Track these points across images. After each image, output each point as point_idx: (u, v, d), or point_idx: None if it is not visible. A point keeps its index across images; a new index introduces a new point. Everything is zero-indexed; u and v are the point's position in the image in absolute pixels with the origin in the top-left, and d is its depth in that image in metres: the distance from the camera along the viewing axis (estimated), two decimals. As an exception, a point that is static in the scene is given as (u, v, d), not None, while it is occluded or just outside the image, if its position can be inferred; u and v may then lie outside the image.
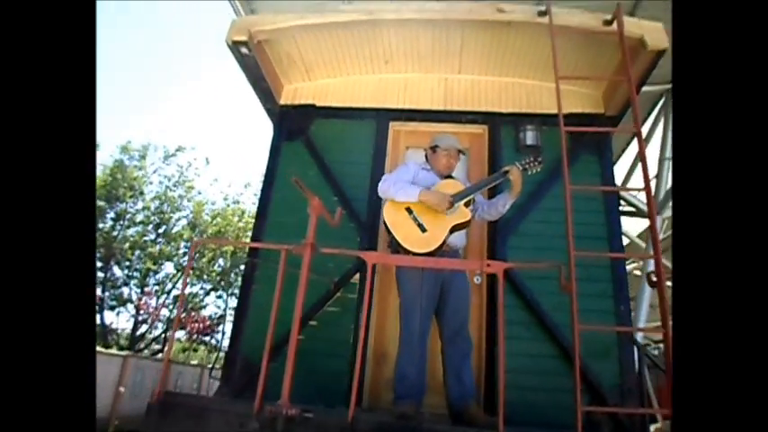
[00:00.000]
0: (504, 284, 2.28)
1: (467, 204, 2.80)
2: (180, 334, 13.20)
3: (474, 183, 2.91)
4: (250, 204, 13.50)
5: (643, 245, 8.30)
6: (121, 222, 12.43)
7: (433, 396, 2.72)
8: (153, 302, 12.62)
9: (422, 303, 2.57)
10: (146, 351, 13.74)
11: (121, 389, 8.30)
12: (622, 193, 6.90)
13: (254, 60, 3.27)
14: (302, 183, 2.34)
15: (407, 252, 2.58)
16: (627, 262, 6.33)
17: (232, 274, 12.64)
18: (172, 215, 13.00)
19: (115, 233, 12.19)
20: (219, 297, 13.24)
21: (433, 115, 3.69)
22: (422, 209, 2.68)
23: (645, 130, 8.55)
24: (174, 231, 12.94)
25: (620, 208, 5.19)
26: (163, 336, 13.59)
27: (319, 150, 3.63)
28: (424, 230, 2.63)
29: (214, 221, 12.40)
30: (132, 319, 12.88)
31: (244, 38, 3.09)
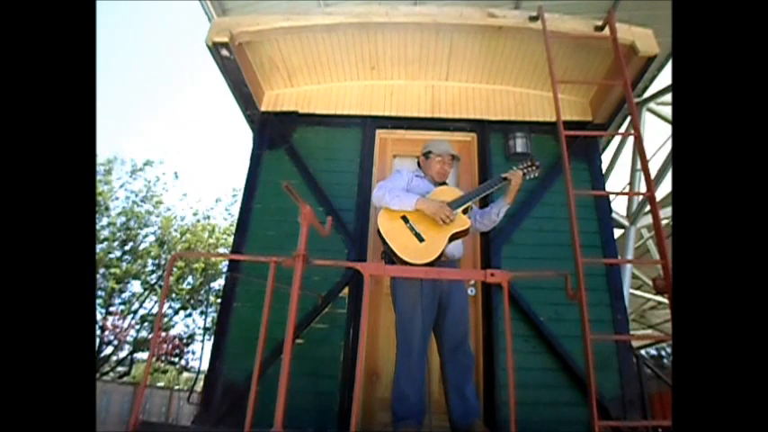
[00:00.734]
0: (508, 295, 2.17)
1: (464, 212, 2.69)
2: (146, 355, 12.59)
3: (471, 189, 2.81)
4: (221, 220, 13.12)
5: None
6: (85, 239, 11.74)
7: (431, 415, 2.56)
8: (121, 323, 11.98)
9: (420, 317, 2.43)
10: (111, 374, 13.01)
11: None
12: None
13: (234, 64, 3.11)
14: (294, 190, 2.17)
15: (404, 263, 2.44)
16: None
17: (202, 292, 12.15)
18: (139, 231, 12.44)
19: (78, 251, 11.49)
20: (189, 316, 12.71)
21: (421, 123, 3.60)
22: (418, 217, 2.55)
23: (617, 140, 8.76)
24: (141, 248, 12.37)
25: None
26: (129, 357, 12.90)
27: (303, 159, 3.47)
28: (421, 240, 2.50)
29: (183, 237, 11.93)
30: (96, 341, 12.18)
31: (225, 39, 2.93)
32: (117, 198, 12.57)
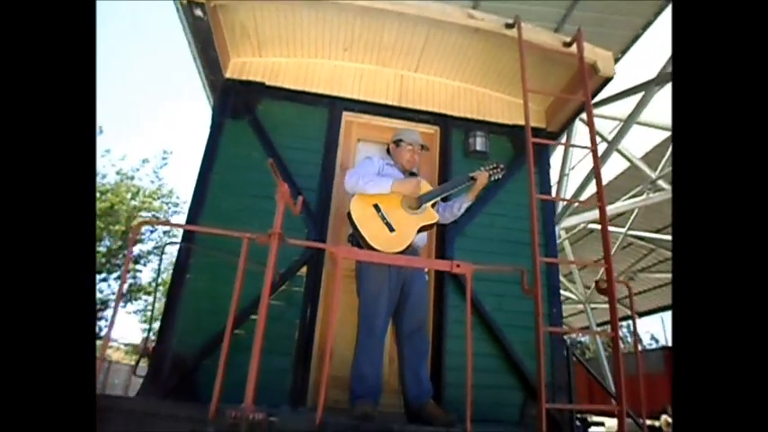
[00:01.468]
0: (471, 285, 2.33)
1: (432, 206, 2.81)
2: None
3: (440, 185, 2.94)
4: (147, 182, 12.27)
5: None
6: None
7: (384, 395, 2.69)
8: None
9: (385, 302, 2.53)
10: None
11: None
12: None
13: (206, 25, 2.95)
14: (276, 167, 2.16)
15: (373, 250, 2.51)
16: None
17: (120, 256, 11.37)
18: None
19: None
20: (104, 281, 11.84)
21: (388, 110, 3.65)
22: (390, 207, 2.63)
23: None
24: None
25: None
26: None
27: (267, 132, 3.40)
28: (392, 230, 2.59)
29: (104, 197, 11.01)
30: None
31: (201, -1, 2.77)
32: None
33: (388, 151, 3.04)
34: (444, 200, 3.11)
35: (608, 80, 3.17)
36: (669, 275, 12.54)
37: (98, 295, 11.86)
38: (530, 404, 3.06)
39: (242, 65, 3.55)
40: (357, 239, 2.59)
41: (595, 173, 2.61)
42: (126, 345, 20.17)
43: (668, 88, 6.75)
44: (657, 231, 11.96)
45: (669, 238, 11.61)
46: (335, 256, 2.62)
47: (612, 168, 10.40)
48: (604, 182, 10.43)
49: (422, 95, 3.75)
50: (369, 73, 3.73)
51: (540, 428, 2.05)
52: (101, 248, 11.08)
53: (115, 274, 11.82)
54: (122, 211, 11.11)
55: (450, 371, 2.98)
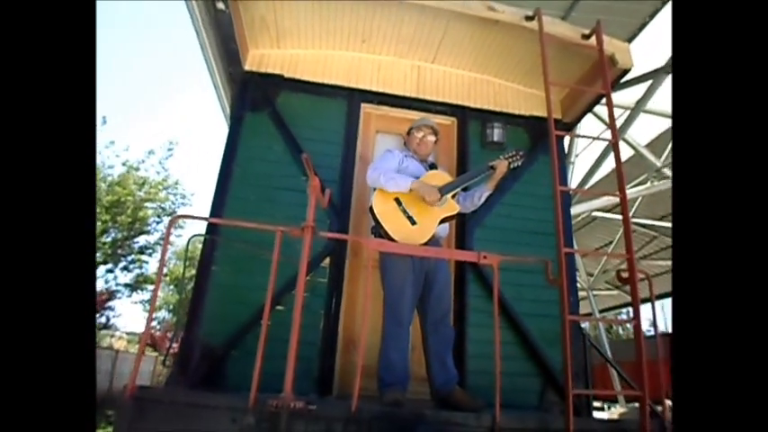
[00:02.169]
0: (498, 276, 2.38)
1: (453, 196, 2.85)
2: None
3: (461, 176, 2.97)
4: (154, 173, 12.26)
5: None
6: None
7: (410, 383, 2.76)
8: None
9: (410, 291, 2.58)
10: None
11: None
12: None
13: (228, 17, 2.96)
14: (310, 161, 2.19)
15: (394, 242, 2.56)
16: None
17: (126, 247, 11.41)
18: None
19: None
20: (110, 272, 11.89)
21: (405, 101, 3.67)
22: (411, 200, 2.67)
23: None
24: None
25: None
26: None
27: (287, 125, 3.42)
28: (413, 223, 2.63)
29: (110, 189, 10.99)
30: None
31: (223, -9, 2.78)
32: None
33: (405, 144, 3.08)
34: (464, 189, 3.15)
35: (626, 72, 3.19)
36: (671, 262, 12.65)
37: (104, 285, 11.95)
38: (548, 390, 3.14)
39: (260, 57, 3.57)
40: (380, 232, 2.63)
41: (616, 165, 2.64)
42: (129, 333, 20.33)
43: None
44: (660, 219, 12.02)
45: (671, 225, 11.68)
46: (366, 247, 2.68)
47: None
48: (607, 170, 10.45)
49: (439, 87, 3.77)
50: (386, 64, 3.74)
51: (568, 413, 2.12)
52: (107, 239, 11.12)
53: (121, 265, 11.88)
54: (129, 202, 11.12)
55: (472, 358, 3.06)
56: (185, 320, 2.95)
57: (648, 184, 9.59)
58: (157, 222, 12.04)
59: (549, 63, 2.79)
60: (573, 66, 3.48)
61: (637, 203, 11.27)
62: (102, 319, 12.39)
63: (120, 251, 11.45)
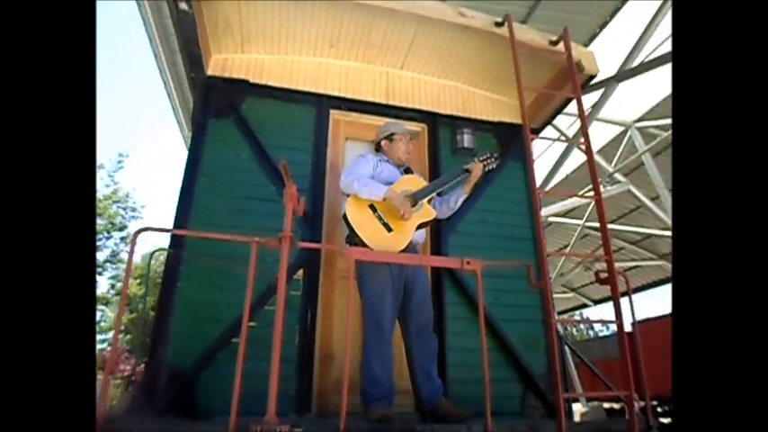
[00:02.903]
0: (481, 282, 2.34)
1: (429, 201, 2.80)
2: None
3: (436, 180, 2.94)
4: (102, 186, 11.55)
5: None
6: None
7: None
8: None
9: (391, 301, 2.50)
10: None
11: None
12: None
13: (191, 19, 2.80)
14: (288, 169, 2.08)
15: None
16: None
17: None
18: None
19: None
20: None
21: (375, 108, 3.61)
22: (386, 207, 2.60)
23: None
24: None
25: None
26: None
27: (254, 132, 3.27)
28: (390, 230, 2.56)
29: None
30: None
31: (186, -9, 2.63)
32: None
33: (376, 149, 3.01)
34: (440, 194, 3.12)
35: (592, 77, 3.28)
36: (623, 264, 13.22)
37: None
38: (529, 395, 3.13)
39: (224, 61, 3.41)
40: (355, 241, 2.54)
41: (590, 167, 2.69)
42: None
43: (626, 84, 7.05)
44: (612, 222, 12.55)
45: (622, 228, 12.20)
46: (347, 257, 2.57)
47: (571, 163, 10.82)
48: (561, 176, 10.79)
49: (408, 93, 3.74)
50: (354, 70, 3.67)
51: (560, 418, 2.10)
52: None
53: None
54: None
55: (453, 368, 3.00)
56: (145, 340, 2.73)
57: (601, 188, 9.99)
58: (107, 238, 11.36)
59: (508, 67, 2.81)
60: (540, 72, 3.54)
61: (590, 208, 11.73)
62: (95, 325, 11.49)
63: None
